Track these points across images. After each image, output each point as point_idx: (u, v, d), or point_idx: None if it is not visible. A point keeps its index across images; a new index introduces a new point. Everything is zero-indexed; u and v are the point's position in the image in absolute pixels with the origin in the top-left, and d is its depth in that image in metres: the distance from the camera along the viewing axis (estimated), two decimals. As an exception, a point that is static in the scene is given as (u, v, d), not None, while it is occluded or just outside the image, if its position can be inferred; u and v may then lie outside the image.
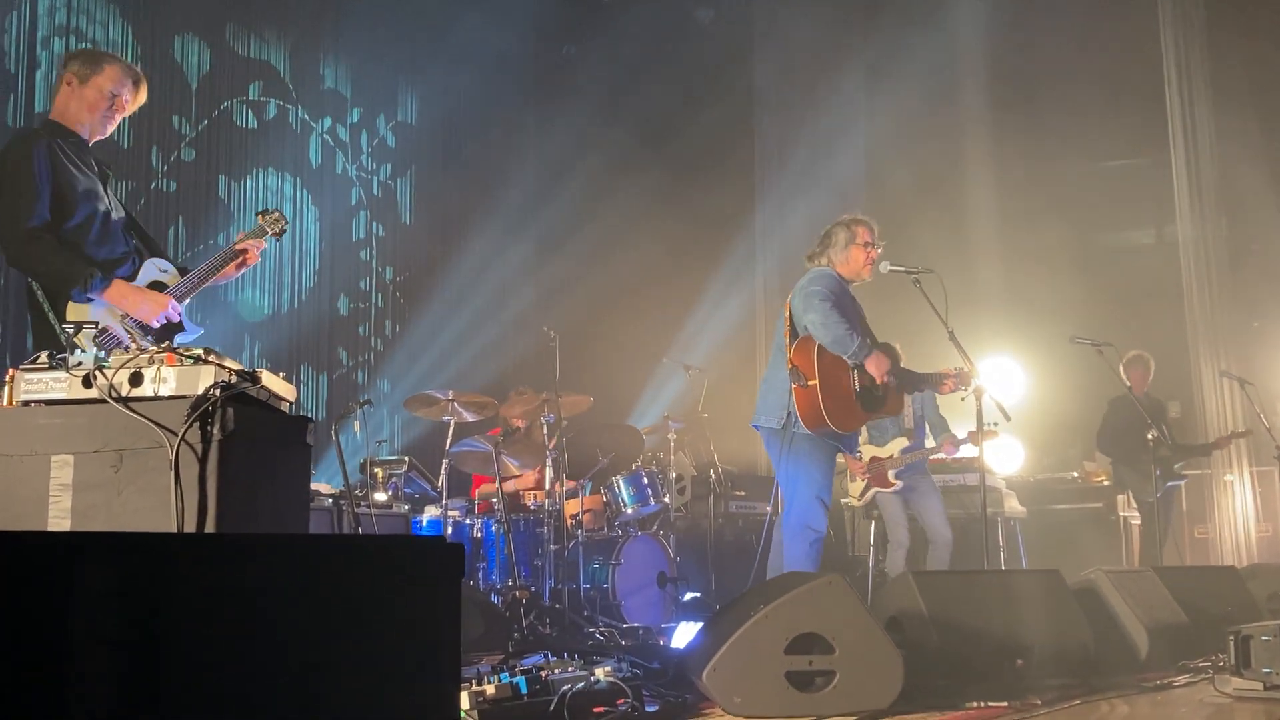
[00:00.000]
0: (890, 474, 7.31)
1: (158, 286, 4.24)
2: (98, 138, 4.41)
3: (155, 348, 3.37)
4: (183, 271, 4.42)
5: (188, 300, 4.33)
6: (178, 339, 4.20)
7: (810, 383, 5.60)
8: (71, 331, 3.72)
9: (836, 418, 5.61)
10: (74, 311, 3.97)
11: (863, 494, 7.45)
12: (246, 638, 1.97)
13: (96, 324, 3.91)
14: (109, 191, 4.39)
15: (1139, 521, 9.04)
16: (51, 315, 4.02)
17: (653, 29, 11.60)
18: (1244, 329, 10.60)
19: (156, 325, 4.10)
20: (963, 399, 6.14)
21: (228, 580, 1.99)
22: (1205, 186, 10.64)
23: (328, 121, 10.43)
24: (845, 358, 5.64)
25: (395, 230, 11.08)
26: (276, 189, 9.82)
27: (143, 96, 4.49)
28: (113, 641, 1.88)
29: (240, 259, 4.46)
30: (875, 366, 5.69)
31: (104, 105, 4.34)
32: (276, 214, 4.68)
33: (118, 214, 4.36)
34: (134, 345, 3.56)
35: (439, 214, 11.46)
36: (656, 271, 11.67)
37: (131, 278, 4.20)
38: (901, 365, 6.10)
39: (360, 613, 2.07)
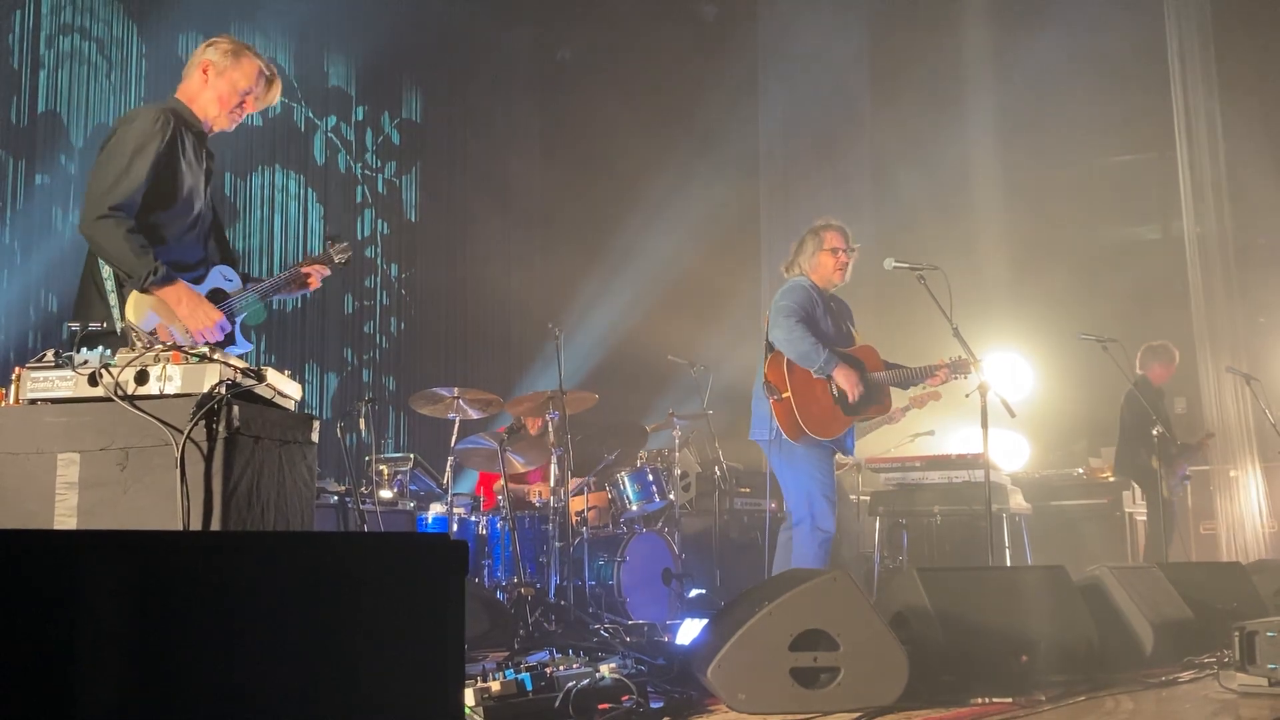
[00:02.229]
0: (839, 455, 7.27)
1: (218, 294, 4.15)
2: (219, 130, 4.33)
3: (161, 347, 3.37)
4: (244, 278, 4.35)
5: (244, 314, 4.25)
6: (226, 351, 4.11)
7: (784, 395, 5.69)
8: (79, 328, 3.70)
9: (816, 426, 5.69)
10: (135, 301, 3.90)
11: None
12: (251, 635, 1.98)
13: (153, 332, 3.84)
14: (208, 190, 4.32)
15: (1144, 518, 9.02)
16: (114, 296, 3.92)
17: (658, 26, 11.60)
18: (1250, 325, 10.59)
19: (200, 341, 3.94)
20: (967, 396, 6.14)
21: (232, 578, 2.00)
22: (1211, 182, 10.62)
23: (332, 119, 10.45)
24: (812, 372, 5.71)
25: (400, 228, 11.09)
26: (281, 187, 9.84)
27: (274, 95, 4.41)
28: (118, 639, 1.89)
29: (303, 281, 4.44)
30: (844, 379, 5.77)
31: (234, 102, 4.26)
32: (346, 245, 4.61)
33: (208, 216, 4.30)
34: (141, 345, 3.52)
35: (444, 211, 11.48)
36: (662, 268, 11.68)
37: (197, 283, 4.11)
38: (885, 362, 6.12)
39: (364, 610, 2.07)
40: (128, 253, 3.89)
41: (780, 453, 5.80)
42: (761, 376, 5.81)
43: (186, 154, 4.14)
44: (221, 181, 9.25)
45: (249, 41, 8.90)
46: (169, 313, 3.94)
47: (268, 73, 4.33)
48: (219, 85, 4.23)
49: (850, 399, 5.78)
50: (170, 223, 4.10)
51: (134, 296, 3.89)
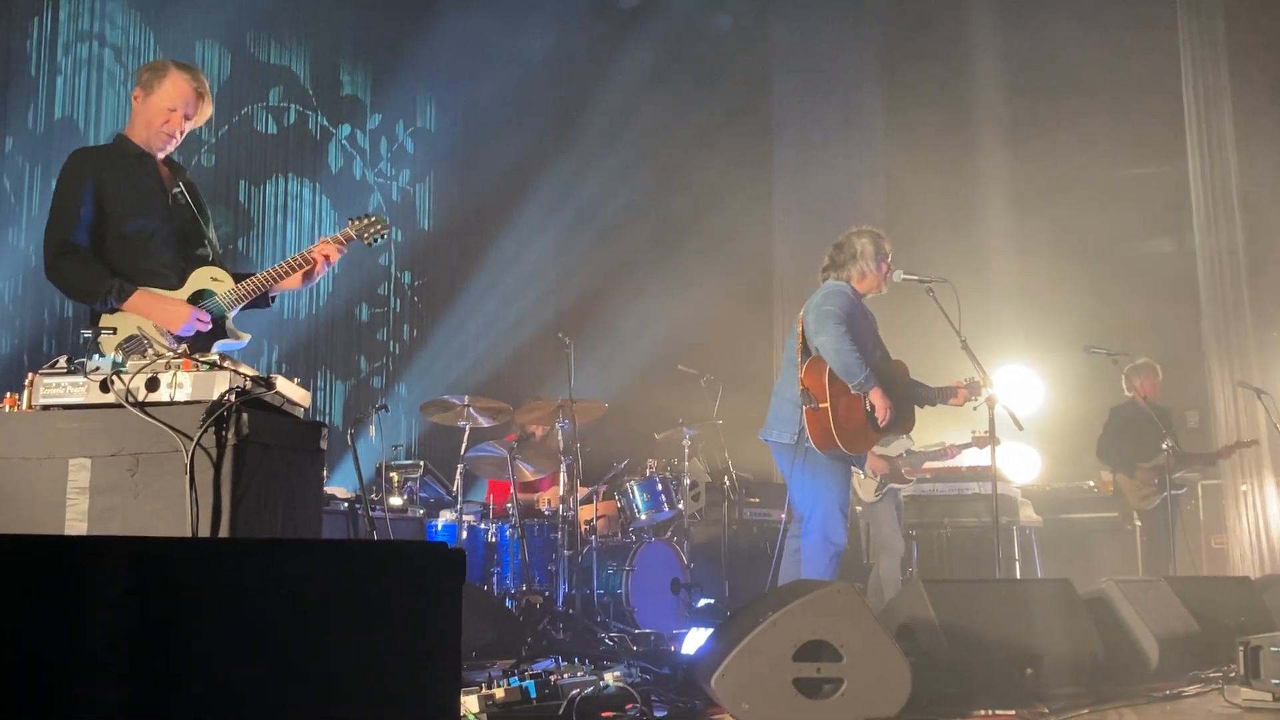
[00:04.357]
0: (903, 470, 7.35)
1: (203, 295, 4.16)
2: (160, 152, 4.35)
3: (171, 353, 3.41)
4: (239, 278, 4.32)
5: (235, 309, 4.24)
6: (221, 347, 4.10)
7: (821, 405, 5.55)
8: (91, 335, 3.77)
9: (848, 440, 5.58)
10: (105, 322, 3.98)
11: (878, 490, 7.42)
12: (251, 641, 2.01)
13: (115, 329, 3.92)
14: (172, 201, 4.32)
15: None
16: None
17: (671, 39, 11.64)
18: (1262, 339, 10.56)
19: (185, 334, 4.03)
20: (974, 408, 6.14)
21: (237, 583, 2.03)
22: (1223, 195, 10.59)
23: (347, 128, 10.50)
24: (850, 386, 5.60)
25: (414, 236, 11.13)
26: (296, 194, 9.89)
27: (206, 111, 4.40)
28: (124, 643, 1.92)
29: (308, 269, 4.32)
30: (879, 402, 5.63)
31: (160, 121, 4.27)
32: (372, 218, 4.47)
33: (173, 225, 4.30)
34: (152, 351, 3.57)
35: (457, 219, 11.51)
36: (673, 277, 11.70)
37: (173, 289, 4.15)
38: (911, 379, 6.09)
39: (364, 616, 2.10)
40: (84, 282, 4.03)
41: (802, 459, 5.67)
42: (796, 381, 5.69)
43: (121, 175, 4.20)
44: (235, 188, 9.30)
45: (264, 49, 8.84)
46: (144, 321, 4.00)
47: (197, 87, 4.33)
48: (146, 109, 4.29)
49: (880, 422, 5.70)
50: (122, 240, 4.16)
51: (105, 320, 3.98)
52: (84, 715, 1.88)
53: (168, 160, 4.41)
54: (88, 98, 8.21)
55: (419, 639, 2.12)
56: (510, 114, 11.86)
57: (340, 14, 10.44)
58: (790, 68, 12.45)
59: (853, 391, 5.61)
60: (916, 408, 6.13)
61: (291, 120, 9.91)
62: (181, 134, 4.36)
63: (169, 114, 4.27)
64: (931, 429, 7.83)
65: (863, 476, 7.30)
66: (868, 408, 5.65)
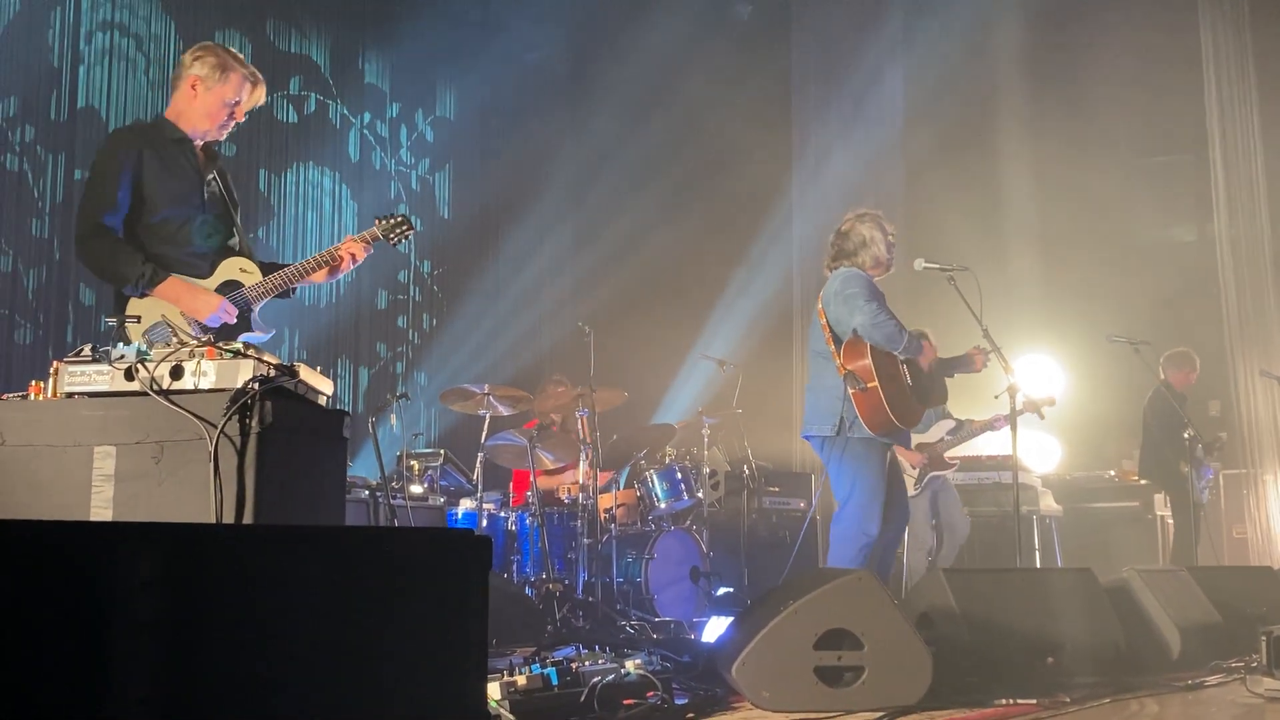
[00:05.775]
0: (945, 455, 7.34)
1: (231, 286, 4.20)
2: (211, 140, 4.39)
3: (196, 342, 3.42)
4: (265, 268, 4.35)
5: (262, 303, 4.27)
6: (245, 340, 4.07)
7: (870, 385, 5.52)
8: (116, 323, 3.79)
9: (901, 415, 5.55)
10: (133, 306, 4.02)
11: (919, 481, 7.40)
12: (278, 626, 2.02)
13: (139, 317, 3.95)
14: (207, 190, 4.35)
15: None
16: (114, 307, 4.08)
17: (690, 23, 11.61)
18: (1284, 327, 10.49)
19: (211, 325, 4.07)
20: (996, 397, 6.13)
21: (262, 570, 2.04)
22: (1245, 183, 10.52)
23: (367, 116, 10.52)
24: (897, 353, 5.61)
25: (433, 224, 11.16)
26: (316, 183, 9.92)
27: (260, 96, 4.43)
28: (151, 628, 1.93)
29: (333, 265, 4.38)
30: (929, 355, 5.76)
31: (224, 115, 4.32)
32: (398, 219, 4.53)
33: (207, 215, 4.33)
34: (175, 339, 3.58)
35: (476, 208, 11.53)
36: (692, 266, 11.69)
37: (203, 278, 4.19)
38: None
39: (389, 603, 2.11)
40: (115, 264, 4.07)
41: (840, 448, 5.61)
42: (831, 372, 5.65)
43: (161, 161, 4.21)
44: (256, 178, 9.33)
45: (285, 38, 8.88)
46: (169, 308, 4.03)
47: (252, 78, 4.37)
48: (207, 101, 4.29)
49: (925, 370, 5.74)
50: (156, 226, 4.18)
51: (132, 302, 4.03)
52: (110, 700, 1.90)
53: (205, 146, 4.41)
54: (109, 87, 8.25)
55: (446, 626, 2.13)
56: (529, 103, 11.87)
57: (360, 2, 10.45)
58: (811, 58, 12.40)
59: (901, 357, 5.62)
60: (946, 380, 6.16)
61: (312, 109, 9.93)
62: (232, 125, 4.43)
63: (234, 107, 4.32)
64: (956, 412, 7.83)
65: (911, 452, 7.30)
66: (909, 381, 5.67)
